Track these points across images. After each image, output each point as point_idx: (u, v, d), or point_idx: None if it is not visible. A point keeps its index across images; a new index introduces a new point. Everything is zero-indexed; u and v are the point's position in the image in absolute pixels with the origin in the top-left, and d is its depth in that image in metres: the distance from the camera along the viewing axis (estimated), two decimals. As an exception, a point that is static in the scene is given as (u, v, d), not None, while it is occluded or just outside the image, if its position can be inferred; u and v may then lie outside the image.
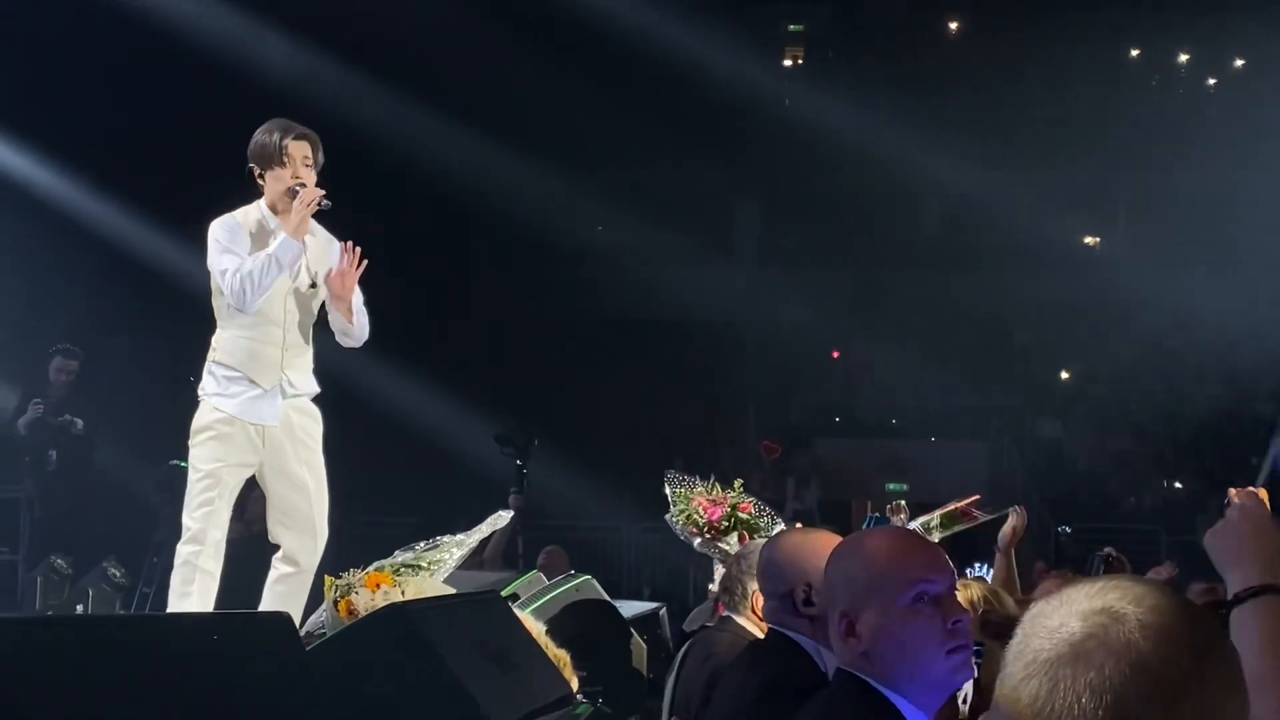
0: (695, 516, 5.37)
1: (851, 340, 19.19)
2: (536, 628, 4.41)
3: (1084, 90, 19.99)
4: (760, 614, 3.88)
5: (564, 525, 13.35)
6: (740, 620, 4.23)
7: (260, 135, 5.35)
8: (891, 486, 15.55)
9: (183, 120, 14.45)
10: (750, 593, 4.07)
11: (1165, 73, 22.61)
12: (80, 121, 13.02)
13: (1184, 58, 22.46)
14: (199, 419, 5.25)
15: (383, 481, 14.20)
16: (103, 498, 10.81)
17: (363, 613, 4.23)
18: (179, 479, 10.67)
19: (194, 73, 13.60)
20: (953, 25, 22.35)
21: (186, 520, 5.26)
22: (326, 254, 5.40)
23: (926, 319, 19.32)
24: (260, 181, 5.35)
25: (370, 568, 4.57)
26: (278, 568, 5.46)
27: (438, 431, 14.42)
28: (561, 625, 4.68)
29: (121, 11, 12.67)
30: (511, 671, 3.35)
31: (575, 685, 4.07)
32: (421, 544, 4.86)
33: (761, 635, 4.07)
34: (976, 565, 8.04)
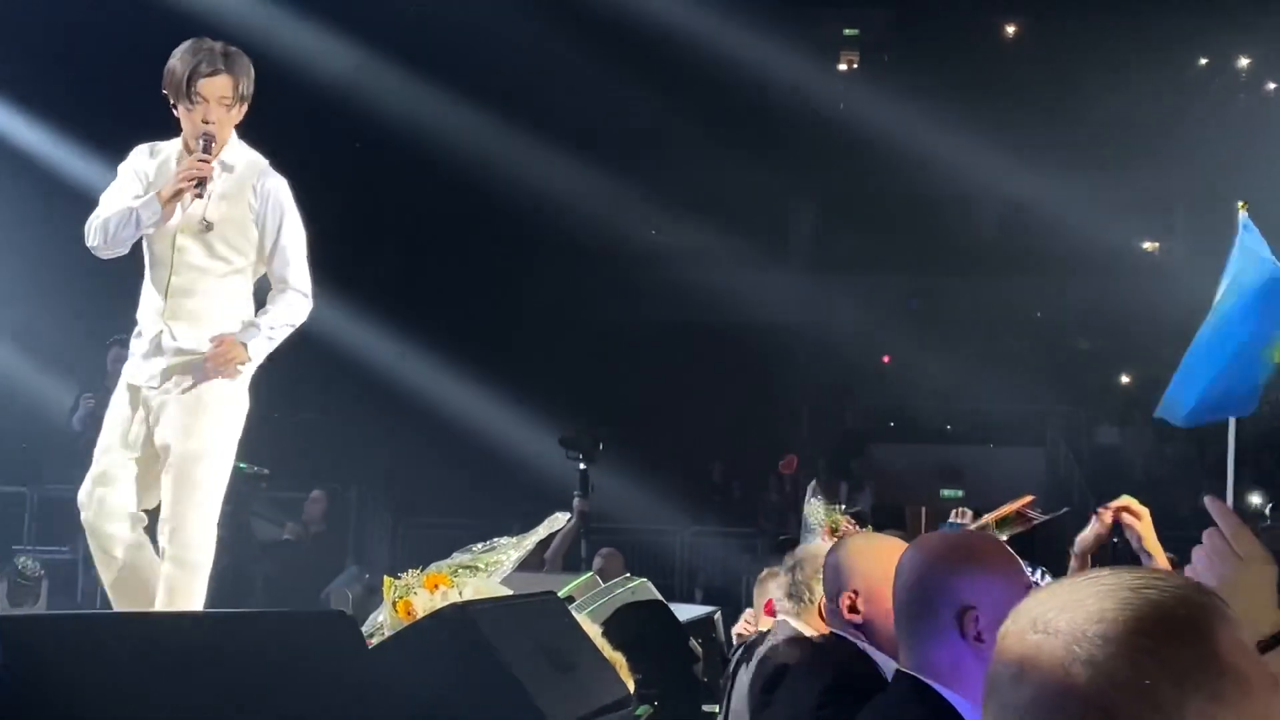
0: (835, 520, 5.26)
1: (906, 345, 19.09)
2: (592, 630, 4.42)
3: (1142, 93, 19.79)
4: (823, 618, 3.88)
5: (615, 528, 13.36)
6: (798, 624, 4.22)
7: (172, 61, 4.60)
8: (946, 492, 15.47)
9: (243, 129, 14.57)
10: (815, 597, 4.07)
11: (1225, 76, 22.35)
12: (138, 123, 13.15)
13: (1244, 61, 22.20)
14: None
15: (436, 484, 14.28)
16: (160, 494, 10.93)
17: (421, 614, 4.25)
18: (238, 480, 10.79)
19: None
20: (1009, 29, 22.20)
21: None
22: (242, 190, 4.64)
23: (982, 324, 19.20)
24: (175, 112, 4.67)
25: (428, 569, 4.59)
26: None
27: (491, 434, 14.47)
28: (617, 628, 4.68)
29: (172, 11, 12.76)
30: (569, 673, 3.35)
31: (631, 688, 4.07)
32: (479, 545, 4.87)
33: (821, 639, 4.06)
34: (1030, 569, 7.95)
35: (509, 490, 13.38)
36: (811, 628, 4.19)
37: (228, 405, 4.57)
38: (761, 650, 4.49)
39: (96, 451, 4.58)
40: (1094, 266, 19.18)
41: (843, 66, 21.89)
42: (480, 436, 14.43)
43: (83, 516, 4.56)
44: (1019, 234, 20.79)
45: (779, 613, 4.48)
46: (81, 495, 4.55)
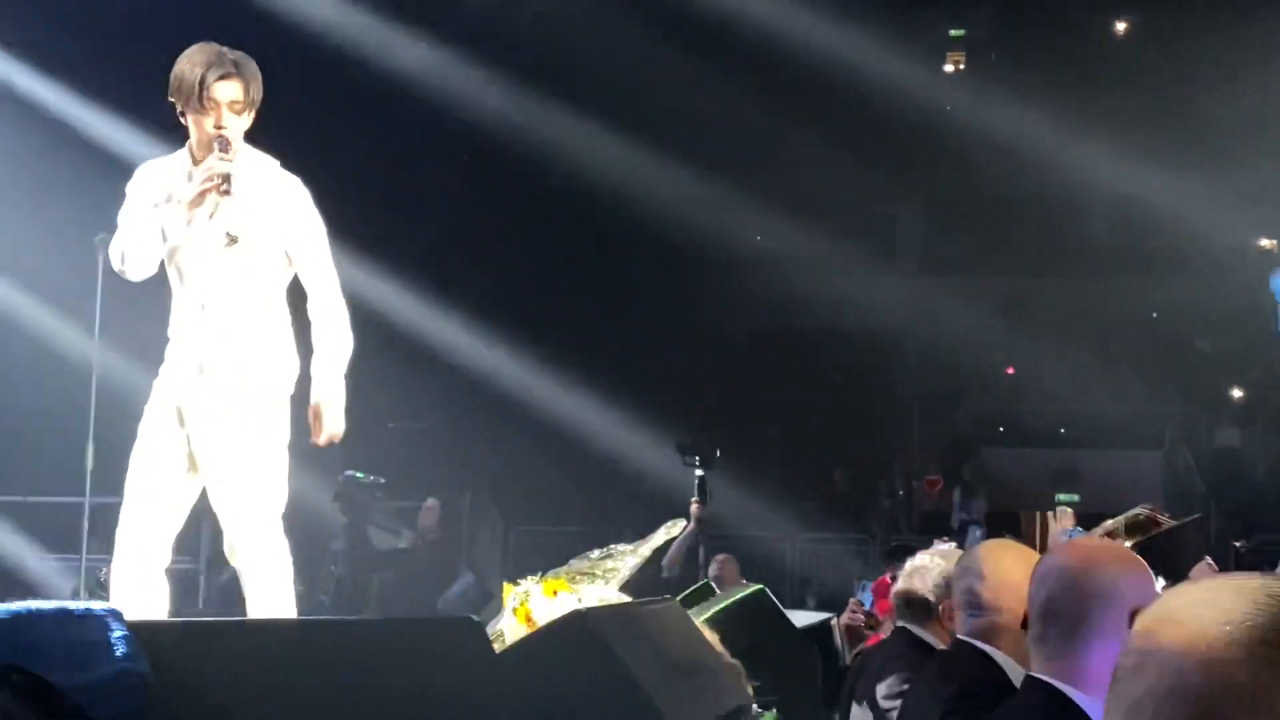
0: None
1: (1018, 347, 18.82)
2: (711, 637, 4.42)
3: (1257, 88, 19.31)
4: (948, 625, 3.86)
5: (725, 535, 13.34)
6: (918, 630, 4.19)
7: (181, 66, 4.49)
8: (1062, 497, 15.20)
9: (367, 145, 14.85)
10: (935, 604, 4.04)
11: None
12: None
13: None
14: None
15: (546, 491, 14.37)
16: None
17: (540, 619, 4.28)
18: (355, 490, 10.99)
19: (336, 83, 13.87)
20: (1120, 25, 21.79)
21: None
22: (262, 198, 4.52)
23: (1096, 325, 18.87)
24: (182, 119, 4.57)
25: (547, 575, 4.62)
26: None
27: (601, 441, 14.52)
28: (734, 635, 4.67)
29: (254, 12, 12.94)
30: (691, 679, 3.36)
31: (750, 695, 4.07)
32: (596, 552, 4.90)
33: (941, 645, 4.03)
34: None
35: (618, 497, 13.45)
36: (931, 634, 4.16)
37: (272, 414, 4.51)
38: (880, 655, 4.46)
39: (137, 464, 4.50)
40: (1210, 265, 18.77)
41: (949, 67, 21.63)
42: (590, 444, 14.49)
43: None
44: (1132, 233, 20.39)
45: (897, 619, 4.45)
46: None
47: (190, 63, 4.46)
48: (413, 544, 10.31)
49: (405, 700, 2.52)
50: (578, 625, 3.12)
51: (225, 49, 4.55)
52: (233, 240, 4.44)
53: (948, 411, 19.28)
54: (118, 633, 2.21)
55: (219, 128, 4.42)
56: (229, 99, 4.43)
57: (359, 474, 10.61)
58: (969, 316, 18.41)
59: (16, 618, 2.23)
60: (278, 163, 4.67)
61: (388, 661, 2.50)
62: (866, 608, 5.92)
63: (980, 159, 17.95)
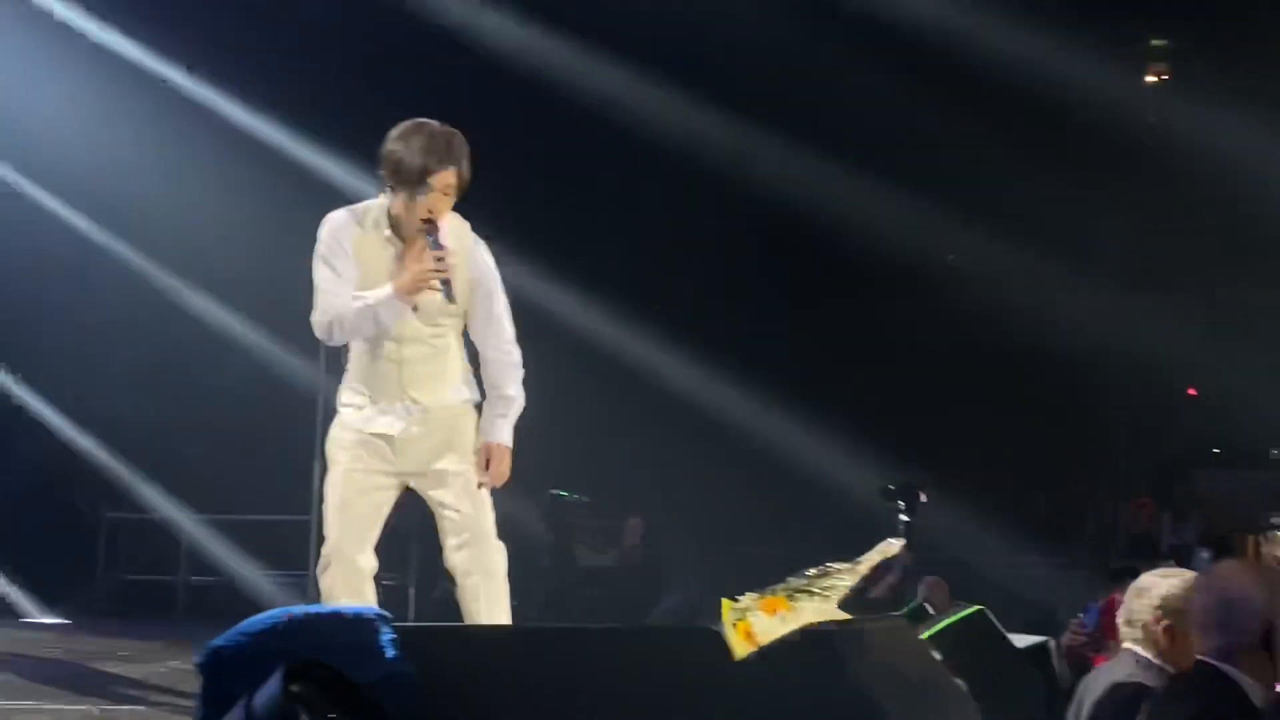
0: None
1: (1228, 365, 18.19)
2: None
3: None
4: (1177, 647, 3.82)
5: (930, 558, 13.19)
6: (1147, 653, 4.13)
7: (399, 146, 4.60)
8: (1277, 520, 14.64)
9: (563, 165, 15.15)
10: (1162, 626, 3.99)
11: None
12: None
13: None
14: None
15: (744, 510, 14.41)
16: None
17: (760, 636, 4.34)
18: (561, 508, 11.22)
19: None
20: (1333, 30, 20.96)
21: None
22: (466, 261, 4.72)
23: (1311, 342, 18.13)
24: (387, 185, 4.70)
25: (764, 592, 4.67)
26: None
27: (798, 461, 14.49)
28: (954, 655, 4.64)
29: (449, 36, 13.24)
30: (924, 696, 3.37)
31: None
32: (812, 570, 4.93)
33: (1170, 668, 3.97)
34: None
35: (818, 517, 13.39)
36: (1159, 656, 4.10)
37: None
38: (1110, 679, 4.39)
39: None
40: None
41: (1151, 78, 21.09)
42: (790, 464, 14.47)
43: None
44: (1352, 245, 19.57)
45: (1124, 641, 4.38)
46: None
47: (409, 148, 4.57)
48: (617, 561, 10.47)
49: (652, 707, 2.60)
50: (810, 640, 3.16)
51: (438, 128, 4.64)
52: (451, 301, 4.63)
53: (1155, 432, 18.72)
54: (387, 635, 2.33)
55: (429, 211, 4.57)
56: (445, 185, 4.57)
57: (564, 492, 10.84)
58: (1176, 333, 17.87)
59: (292, 619, 2.38)
60: (469, 226, 4.83)
61: (634, 669, 2.58)
62: (1088, 629, 5.82)
63: (1186, 170, 17.43)
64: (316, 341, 7.38)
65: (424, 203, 4.57)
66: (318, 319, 4.75)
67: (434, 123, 4.66)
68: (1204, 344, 17.78)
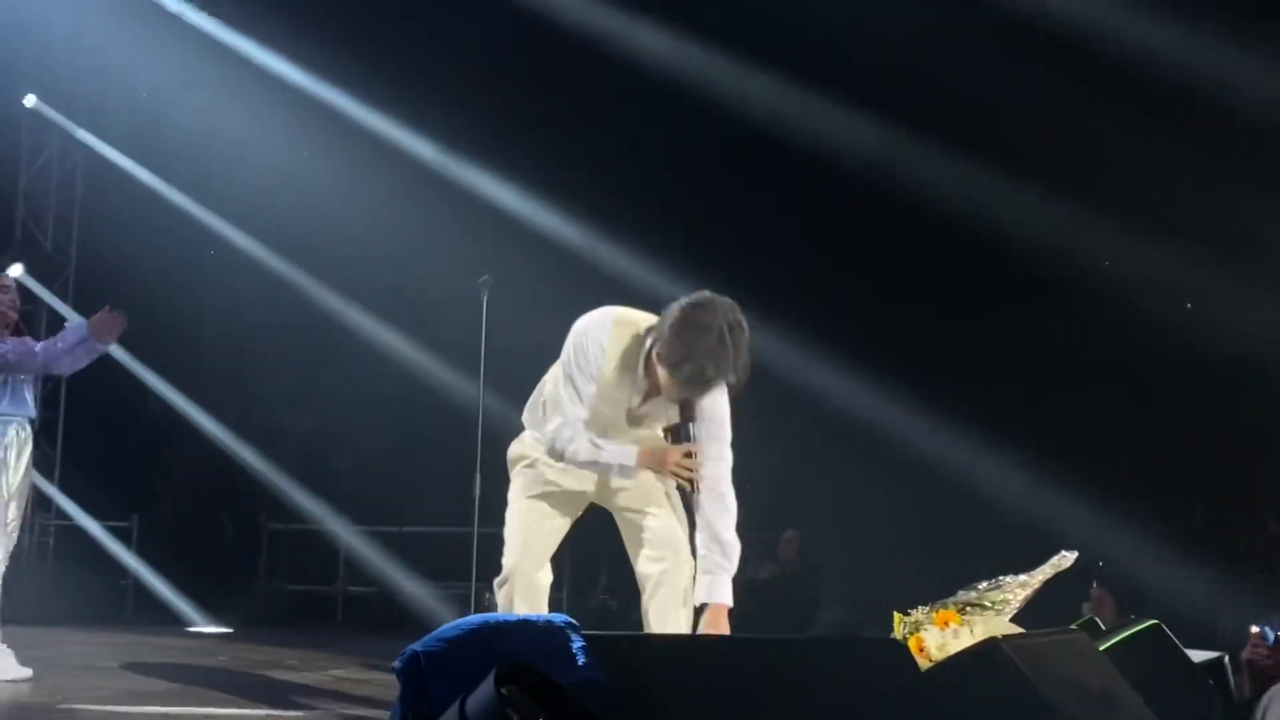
0: None
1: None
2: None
3: None
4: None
5: (1085, 570, 12.88)
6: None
7: (684, 339, 4.27)
8: None
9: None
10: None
11: None
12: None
13: None
14: None
15: (896, 522, 14.26)
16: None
17: (933, 649, 4.27)
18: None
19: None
20: None
21: None
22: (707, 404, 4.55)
23: None
24: (655, 353, 4.43)
25: (936, 606, 4.60)
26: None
27: (954, 471, 14.30)
28: (1130, 669, 4.54)
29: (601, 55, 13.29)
30: (1107, 709, 3.30)
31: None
32: (983, 584, 4.85)
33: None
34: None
35: (973, 529, 13.20)
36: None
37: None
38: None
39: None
40: None
41: (1315, 75, 20.43)
42: (944, 475, 14.30)
43: None
44: None
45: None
46: None
47: (690, 348, 4.27)
48: (773, 575, 10.44)
49: (832, 718, 2.58)
50: (993, 653, 3.11)
51: (739, 335, 4.35)
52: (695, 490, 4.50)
53: (1322, 441, 18.09)
54: (577, 643, 2.35)
55: (685, 412, 4.46)
56: (702, 394, 4.43)
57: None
58: (1346, 339, 17.28)
59: (485, 627, 2.41)
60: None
61: (825, 679, 2.57)
62: (1269, 643, 5.63)
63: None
64: (476, 357, 7.53)
65: (679, 392, 4.45)
66: (549, 431, 4.66)
67: (733, 320, 4.39)
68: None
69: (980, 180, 15.21)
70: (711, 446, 4.58)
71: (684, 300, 4.40)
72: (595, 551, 11.11)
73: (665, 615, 4.55)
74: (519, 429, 5.11)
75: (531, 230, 13.52)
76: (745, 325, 4.40)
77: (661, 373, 4.43)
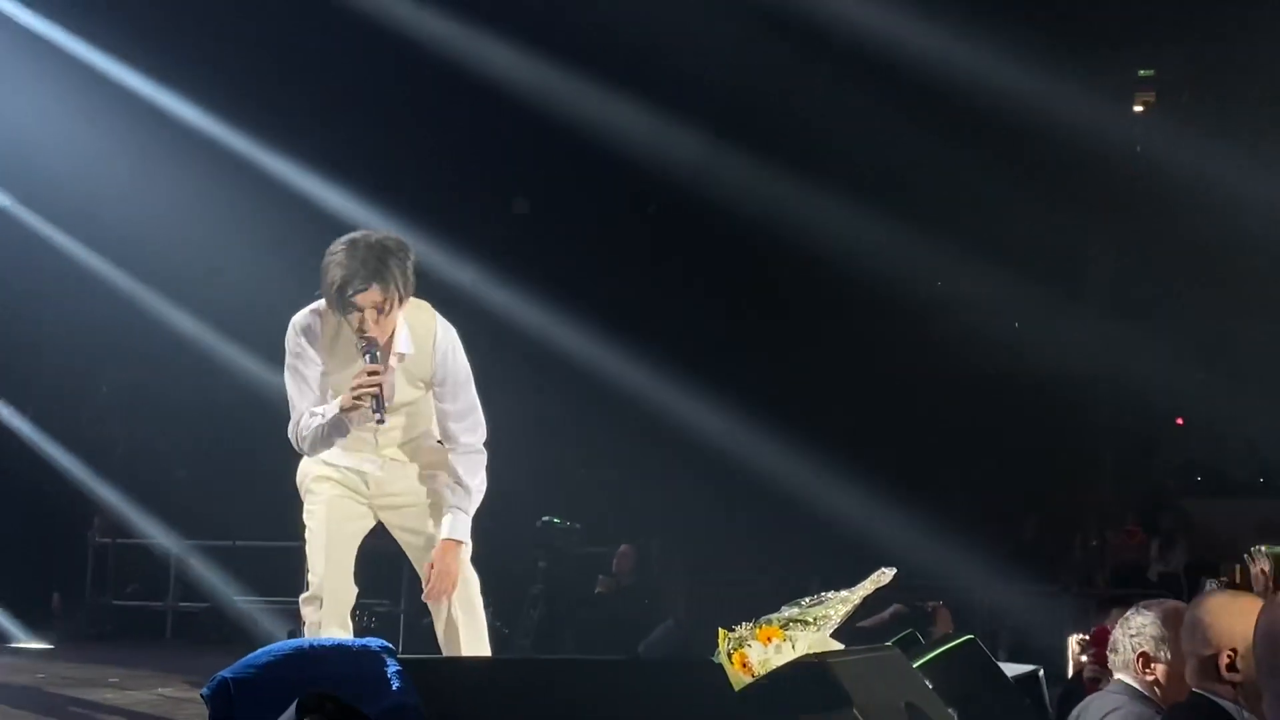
0: None
1: (1216, 393, 18.26)
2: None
3: None
4: (1168, 677, 3.84)
5: (916, 586, 13.19)
6: (1136, 683, 4.15)
7: (327, 262, 4.45)
8: (1265, 549, 14.65)
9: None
10: (1155, 656, 4.01)
11: None
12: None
13: None
14: None
15: (730, 538, 14.41)
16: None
17: (756, 665, 4.34)
18: (553, 535, 11.21)
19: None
20: (1319, 62, 21.10)
21: None
22: (421, 366, 4.66)
23: (1297, 371, 18.19)
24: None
25: (759, 622, 4.68)
26: None
27: (785, 487, 14.50)
28: (946, 685, 4.66)
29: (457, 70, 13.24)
30: (919, 728, 3.39)
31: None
32: (806, 600, 4.94)
33: (1159, 697, 4.00)
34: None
35: (805, 545, 13.40)
36: (1149, 686, 4.12)
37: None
38: (1101, 710, 4.41)
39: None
40: None
41: (1139, 107, 21.21)
42: (776, 491, 14.50)
43: None
44: (1335, 275, 19.65)
45: (1115, 671, 4.41)
46: None
47: (335, 266, 4.42)
48: (608, 589, 10.48)
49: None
50: (809, 671, 3.18)
51: (372, 239, 4.47)
52: (381, 419, 4.54)
53: (1143, 459, 18.77)
54: (392, 668, 2.35)
55: (362, 334, 4.44)
56: (371, 303, 4.41)
57: (556, 519, 10.86)
58: (1163, 360, 17.94)
59: (300, 651, 2.39)
60: (437, 320, 4.74)
61: (633, 702, 2.60)
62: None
63: (1173, 199, 17.52)
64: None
65: (356, 319, 4.47)
66: (290, 433, 4.73)
67: (370, 235, 4.53)
68: (1191, 372, 17.84)
69: (815, 203, 15.49)
70: (456, 402, 4.73)
71: None
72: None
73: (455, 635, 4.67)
74: None
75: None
76: (385, 237, 4.51)
77: (344, 322, 4.52)
